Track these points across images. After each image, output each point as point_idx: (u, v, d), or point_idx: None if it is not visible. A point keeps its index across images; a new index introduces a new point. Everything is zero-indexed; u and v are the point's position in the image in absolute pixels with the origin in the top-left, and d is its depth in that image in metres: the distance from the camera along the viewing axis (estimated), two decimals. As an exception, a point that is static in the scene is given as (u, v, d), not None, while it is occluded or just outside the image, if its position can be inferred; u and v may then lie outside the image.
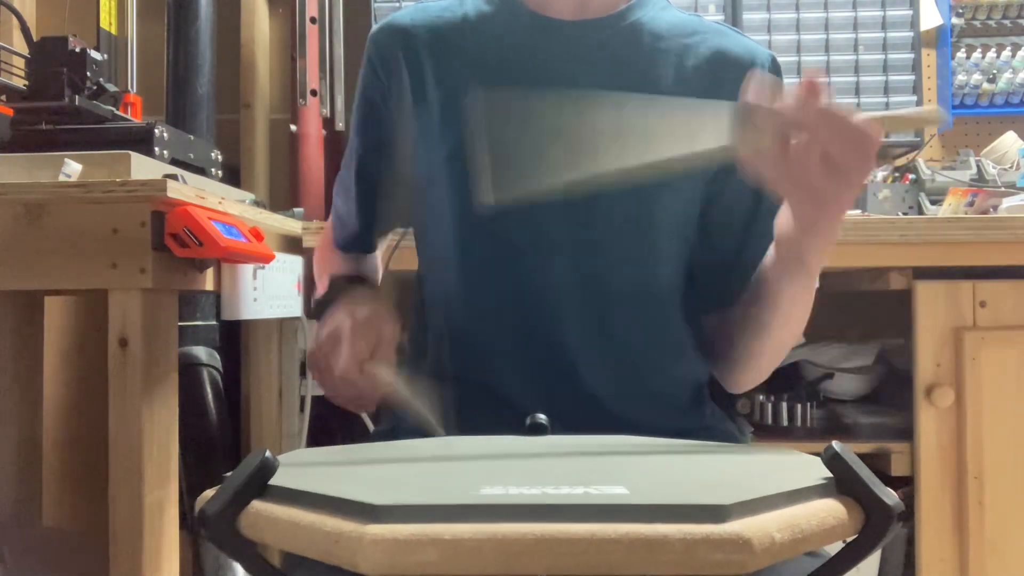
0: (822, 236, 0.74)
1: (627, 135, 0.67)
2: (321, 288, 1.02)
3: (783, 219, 0.77)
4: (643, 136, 0.67)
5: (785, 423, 1.72)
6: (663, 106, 0.68)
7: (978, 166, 1.83)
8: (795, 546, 0.43)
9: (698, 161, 0.66)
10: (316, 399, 1.80)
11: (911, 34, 2.00)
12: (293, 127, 2.01)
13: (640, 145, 0.66)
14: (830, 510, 0.46)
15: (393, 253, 1.14)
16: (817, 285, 0.85)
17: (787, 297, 0.84)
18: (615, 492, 0.44)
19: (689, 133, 0.67)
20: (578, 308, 0.90)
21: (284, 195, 2.08)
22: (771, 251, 0.84)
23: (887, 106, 1.98)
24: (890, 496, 0.48)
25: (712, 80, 0.92)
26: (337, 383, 0.82)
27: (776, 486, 0.46)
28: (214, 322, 1.82)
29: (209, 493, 0.50)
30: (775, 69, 0.95)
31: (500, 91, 0.70)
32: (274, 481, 0.48)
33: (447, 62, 0.94)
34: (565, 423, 0.73)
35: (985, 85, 2.07)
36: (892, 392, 1.78)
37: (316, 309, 0.93)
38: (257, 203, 1.53)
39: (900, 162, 2.05)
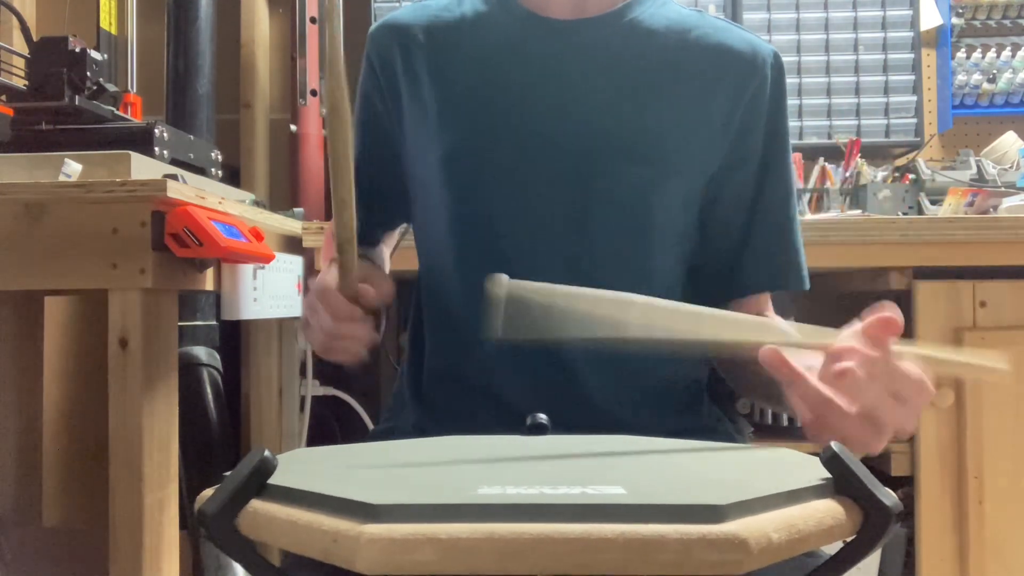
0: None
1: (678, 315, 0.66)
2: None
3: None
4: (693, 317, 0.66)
5: (785, 423, 1.72)
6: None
7: (978, 166, 1.83)
8: (792, 546, 0.43)
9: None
10: (316, 399, 1.80)
11: (911, 34, 2.00)
12: (293, 127, 2.00)
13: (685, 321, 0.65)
14: (828, 510, 0.46)
15: (394, 252, 1.14)
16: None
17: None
18: (612, 492, 0.44)
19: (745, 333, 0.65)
20: (576, 309, 0.90)
21: (284, 195, 2.08)
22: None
23: (887, 106, 1.99)
24: (888, 496, 0.47)
25: (713, 75, 0.91)
26: (322, 331, 0.80)
27: (774, 486, 0.46)
28: (214, 322, 1.82)
29: (208, 492, 0.50)
30: (777, 64, 0.94)
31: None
32: (273, 480, 0.48)
33: (444, 61, 0.94)
34: (562, 423, 0.73)
35: (985, 85, 2.07)
36: (892, 392, 1.77)
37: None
38: (257, 203, 1.53)
39: (900, 162, 2.05)
